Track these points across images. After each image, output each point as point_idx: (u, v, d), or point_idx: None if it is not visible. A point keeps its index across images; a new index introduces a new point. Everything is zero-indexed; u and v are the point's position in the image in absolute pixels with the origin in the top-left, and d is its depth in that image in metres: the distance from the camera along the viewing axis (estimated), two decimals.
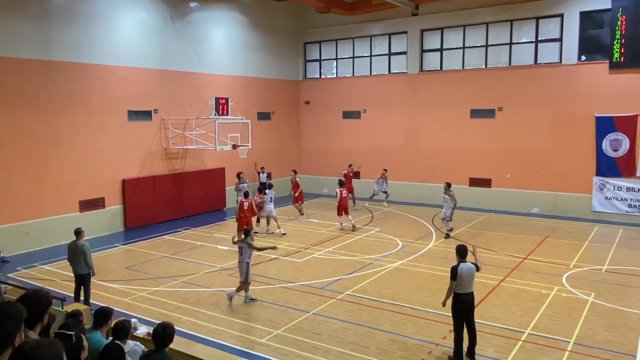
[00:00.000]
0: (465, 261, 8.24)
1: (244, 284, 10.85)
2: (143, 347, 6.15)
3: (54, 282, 12.41)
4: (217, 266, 13.65)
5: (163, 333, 5.37)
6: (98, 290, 11.76)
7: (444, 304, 8.47)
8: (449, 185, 16.42)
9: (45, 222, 15.79)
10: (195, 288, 11.97)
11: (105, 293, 11.62)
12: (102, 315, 5.94)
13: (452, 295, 8.22)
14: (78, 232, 10.41)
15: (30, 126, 15.39)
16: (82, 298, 10.42)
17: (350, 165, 22.31)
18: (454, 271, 8.11)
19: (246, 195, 16.98)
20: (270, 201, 17.44)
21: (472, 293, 8.28)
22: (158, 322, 5.89)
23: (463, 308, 8.19)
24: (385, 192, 22.05)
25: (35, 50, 15.38)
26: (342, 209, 17.85)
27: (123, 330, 5.69)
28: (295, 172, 21.03)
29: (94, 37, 16.93)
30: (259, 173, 22.02)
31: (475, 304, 10.57)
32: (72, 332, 4.29)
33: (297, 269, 13.42)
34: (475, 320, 9.77)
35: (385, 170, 22.11)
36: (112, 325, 5.93)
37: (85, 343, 4.25)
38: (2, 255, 14.29)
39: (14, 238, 14.93)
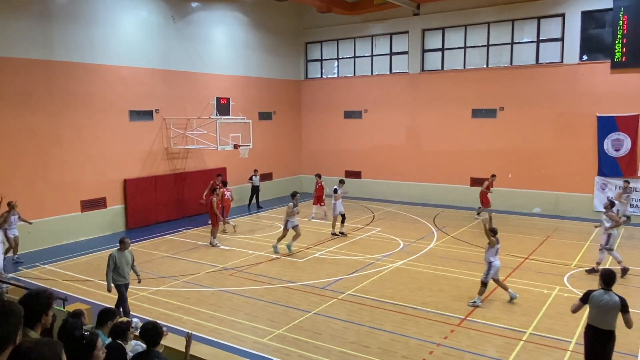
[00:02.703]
0: (610, 291, 6.80)
1: (484, 285, 10.70)
2: (145, 346, 6.16)
3: (55, 282, 12.43)
4: (219, 266, 13.66)
5: (152, 332, 5.33)
6: (100, 290, 11.79)
7: None
8: (611, 204, 13.22)
9: (47, 222, 15.81)
10: (197, 288, 11.98)
11: (107, 293, 11.61)
12: (105, 315, 5.95)
13: (586, 325, 7.19)
14: (119, 242, 9.93)
15: (32, 126, 15.42)
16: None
17: (493, 176, 19.86)
18: (586, 294, 6.98)
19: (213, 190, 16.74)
20: (337, 196, 17.10)
21: (610, 333, 6.81)
22: (159, 321, 5.90)
23: (593, 344, 6.94)
24: (628, 217, 17.44)
25: (37, 50, 15.40)
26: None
27: (121, 330, 5.70)
28: (319, 175, 20.62)
29: (95, 37, 16.95)
30: (251, 177, 21.99)
31: None
32: (84, 333, 4.27)
33: (299, 268, 13.42)
34: (477, 320, 9.81)
35: (627, 182, 18.07)
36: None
37: (99, 343, 4.21)
38: (16, 256, 14.29)
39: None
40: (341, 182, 17.93)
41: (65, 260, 14.47)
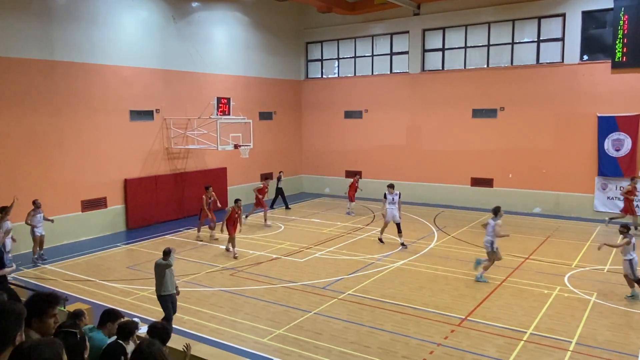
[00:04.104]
0: None
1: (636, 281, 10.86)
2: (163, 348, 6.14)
3: (56, 282, 12.44)
4: (219, 266, 13.65)
5: (161, 331, 5.42)
6: (100, 290, 11.81)
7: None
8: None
9: (47, 221, 15.79)
10: (197, 288, 11.98)
11: (108, 293, 11.65)
12: (107, 315, 5.95)
13: None
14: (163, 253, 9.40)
15: (32, 126, 15.42)
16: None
17: (633, 179, 17.56)
18: None
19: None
20: (393, 202, 15.55)
21: None
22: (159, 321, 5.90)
23: None
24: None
25: (37, 50, 15.41)
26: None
27: (127, 331, 5.72)
28: (356, 174, 21.60)
29: (95, 37, 16.95)
30: (278, 179, 22.11)
31: (477, 304, 10.65)
32: (77, 330, 4.29)
33: (299, 268, 13.42)
34: (477, 320, 9.82)
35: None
36: (116, 325, 5.94)
37: (87, 343, 4.25)
38: (41, 253, 14.39)
39: (17, 237, 14.93)
40: (390, 186, 15.89)
41: (65, 260, 14.48)
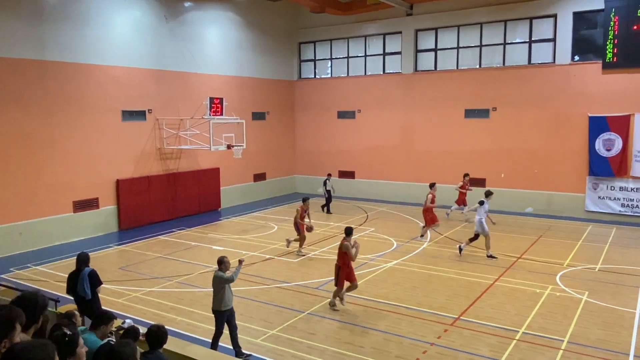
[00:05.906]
0: None
1: None
2: (137, 348, 6.12)
3: (47, 283, 12.35)
4: (212, 266, 13.59)
5: (157, 333, 5.43)
6: None
7: None
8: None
9: (39, 222, 15.71)
10: (190, 288, 11.94)
11: (100, 294, 11.55)
12: (101, 318, 5.92)
13: None
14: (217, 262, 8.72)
15: (24, 126, 15.31)
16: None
17: None
18: None
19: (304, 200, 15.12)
20: (485, 212, 14.13)
21: None
22: (153, 322, 5.90)
23: None
24: None
25: (29, 50, 15.29)
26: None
27: (135, 335, 5.72)
28: (467, 175, 19.71)
29: (87, 36, 16.85)
30: (325, 181, 21.30)
31: (470, 303, 10.70)
32: (67, 331, 4.26)
33: (292, 269, 13.41)
34: (470, 319, 9.86)
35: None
36: (114, 328, 5.93)
37: (81, 341, 4.22)
38: None
39: (7, 238, 14.86)
40: (488, 194, 14.44)
41: (57, 261, 14.37)
